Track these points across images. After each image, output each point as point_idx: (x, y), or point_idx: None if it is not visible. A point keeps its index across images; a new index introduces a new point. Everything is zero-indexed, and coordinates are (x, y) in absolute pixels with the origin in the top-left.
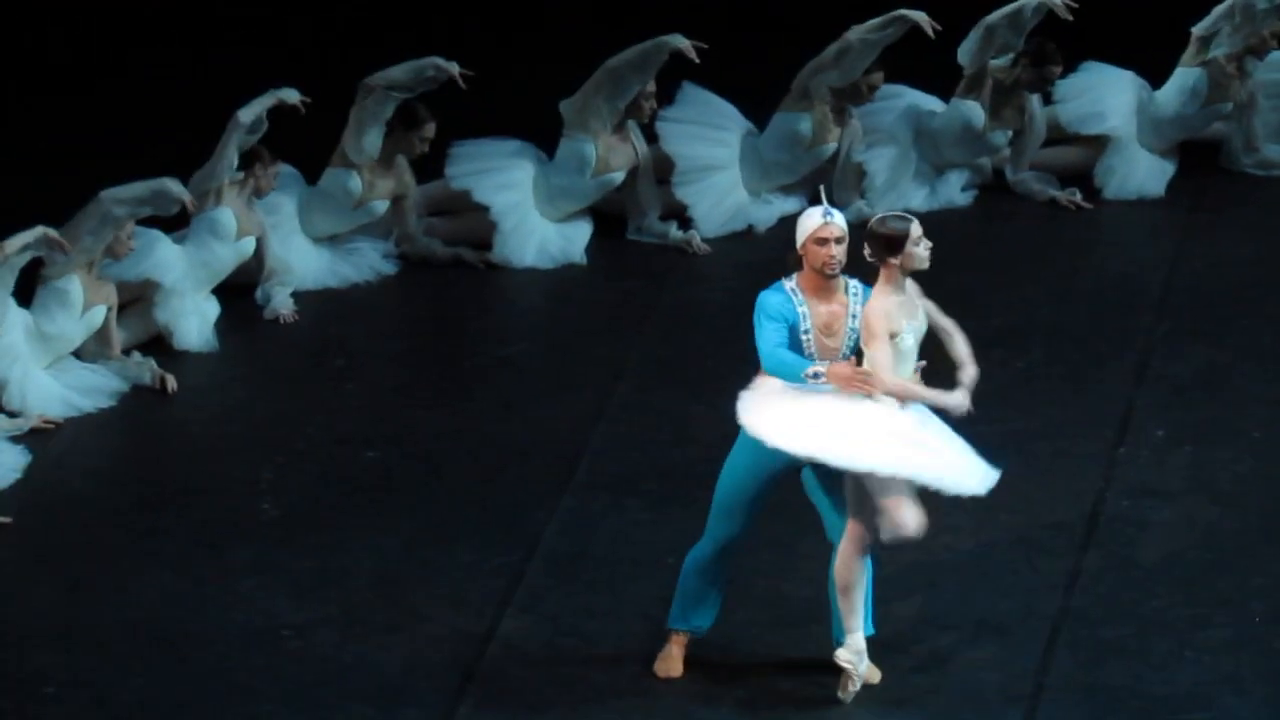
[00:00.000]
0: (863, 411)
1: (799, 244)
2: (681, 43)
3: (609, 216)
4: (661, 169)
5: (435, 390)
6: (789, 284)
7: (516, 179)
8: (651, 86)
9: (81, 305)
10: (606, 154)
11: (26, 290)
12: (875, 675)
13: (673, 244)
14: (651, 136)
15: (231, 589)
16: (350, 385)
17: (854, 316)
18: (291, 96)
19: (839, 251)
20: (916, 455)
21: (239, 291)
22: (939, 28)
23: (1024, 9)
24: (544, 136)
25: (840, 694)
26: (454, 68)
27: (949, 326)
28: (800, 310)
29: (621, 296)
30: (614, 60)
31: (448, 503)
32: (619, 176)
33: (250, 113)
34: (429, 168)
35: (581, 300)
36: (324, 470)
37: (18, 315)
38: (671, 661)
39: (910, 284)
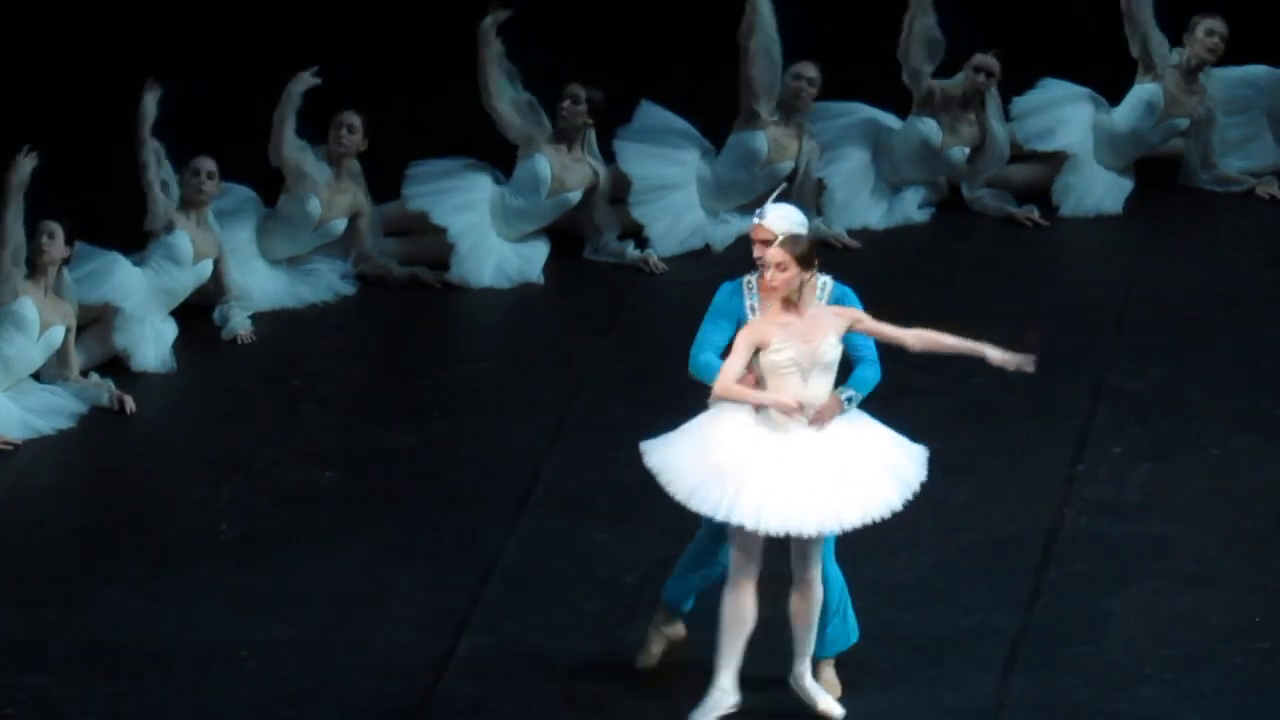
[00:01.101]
0: (765, 441)
1: None
2: (490, 18)
3: (566, 236)
4: (618, 188)
5: (393, 410)
6: (748, 278)
7: (474, 199)
8: (574, 89)
9: (38, 327)
10: (562, 173)
11: None
12: (835, 692)
13: (630, 263)
14: (609, 156)
15: (190, 609)
16: (308, 405)
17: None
18: (151, 108)
19: (767, 254)
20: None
21: (196, 312)
22: None
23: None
24: (503, 156)
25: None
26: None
27: (904, 335)
28: (750, 304)
29: (579, 316)
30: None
31: (405, 522)
32: (576, 196)
33: (147, 149)
34: (386, 188)
35: (539, 320)
36: (282, 490)
37: None
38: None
39: (822, 307)
